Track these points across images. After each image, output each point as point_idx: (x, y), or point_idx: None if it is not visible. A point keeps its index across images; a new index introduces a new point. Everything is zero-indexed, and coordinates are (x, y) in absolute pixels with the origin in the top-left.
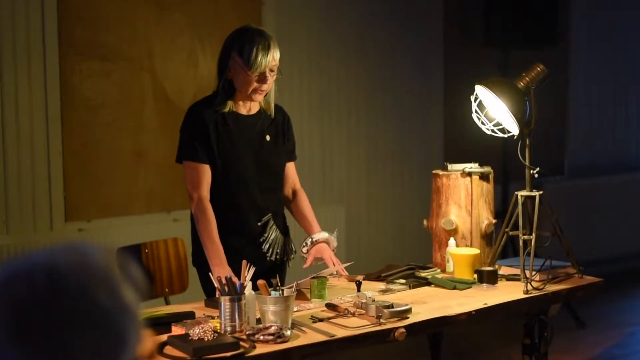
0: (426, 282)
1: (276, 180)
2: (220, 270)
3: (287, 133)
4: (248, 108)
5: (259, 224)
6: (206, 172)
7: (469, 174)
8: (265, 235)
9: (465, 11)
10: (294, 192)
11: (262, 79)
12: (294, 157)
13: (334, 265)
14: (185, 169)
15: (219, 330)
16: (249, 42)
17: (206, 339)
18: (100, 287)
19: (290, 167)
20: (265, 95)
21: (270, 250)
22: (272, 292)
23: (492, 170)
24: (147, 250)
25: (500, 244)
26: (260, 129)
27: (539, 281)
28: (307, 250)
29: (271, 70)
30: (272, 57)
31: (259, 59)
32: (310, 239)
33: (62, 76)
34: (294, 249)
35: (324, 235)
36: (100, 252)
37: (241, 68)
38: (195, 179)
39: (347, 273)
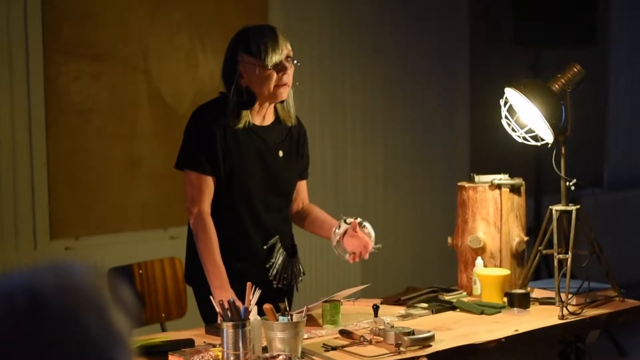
0: (451, 307)
1: (284, 200)
2: (223, 293)
3: (301, 148)
4: (262, 117)
5: (265, 247)
6: (209, 185)
7: (498, 187)
8: (272, 260)
9: (493, 7)
10: (303, 207)
11: (282, 68)
12: (305, 175)
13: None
14: (185, 178)
15: None
16: (254, 37)
17: None
18: (87, 312)
19: (301, 186)
20: (283, 102)
21: (278, 276)
22: (280, 318)
23: (523, 182)
24: (141, 271)
25: (533, 264)
26: (273, 142)
27: (576, 305)
28: (344, 230)
29: (288, 57)
30: (284, 43)
31: (270, 46)
32: (343, 220)
33: (47, 78)
34: (302, 271)
35: (359, 220)
36: (88, 273)
37: (254, 66)
38: (196, 192)
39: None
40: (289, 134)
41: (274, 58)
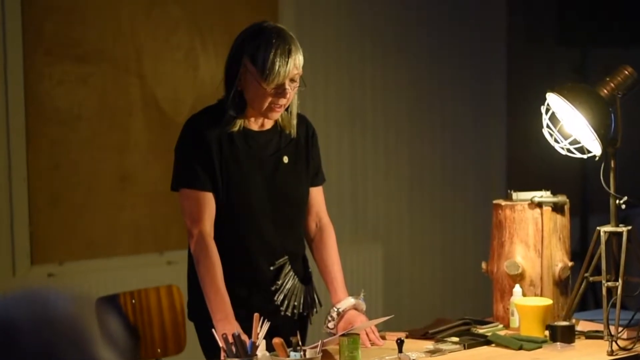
0: (485, 341)
1: (295, 213)
2: (226, 326)
3: (310, 151)
4: (261, 123)
5: (272, 268)
6: (209, 203)
7: (539, 205)
8: (279, 283)
9: (534, 2)
10: (320, 229)
11: (281, 92)
12: (319, 180)
13: (368, 336)
14: (182, 198)
15: None
16: (264, 46)
17: None
18: (67, 346)
19: (316, 194)
20: (288, 109)
21: (286, 302)
22: (292, 353)
23: (567, 200)
24: (134, 301)
25: (579, 293)
26: (276, 148)
27: (627, 339)
28: (335, 325)
29: (292, 81)
30: (294, 65)
31: (277, 67)
32: (335, 311)
33: (28, 82)
34: (317, 301)
35: (349, 302)
36: (70, 303)
37: (254, 78)
38: (195, 210)
39: (382, 343)
40: (294, 137)
41: (277, 80)
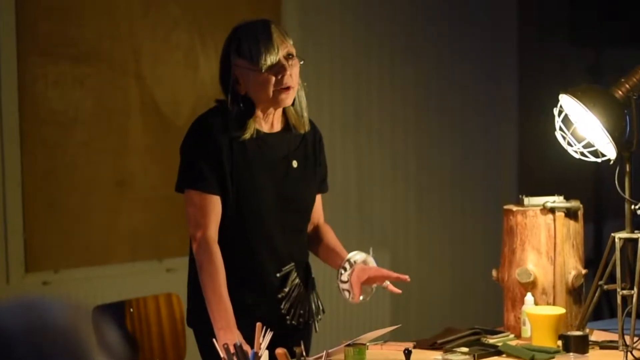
0: (496, 351)
1: (302, 219)
2: (228, 335)
3: (318, 157)
4: (270, 123)
5: (278, 275)
6: (215, 206)
7: (552, 211)
8: (286, 290)
9: (545, 1)
10: (316, 227)
11: (280, 69)
12: (325, 188)
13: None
14: (187, 200)
15: None
16: (245, 36)
17: None
18: (63, 356)
19: (318, 201)
20: (294, 105)
21: (292, 311)
22: None
23: (581, 206)
24: (132, 310)
25: (593, 302)
26: (286, 152)
27: None
28: (348, 278)
29: (288, 57)
30: (281, 40)
31: (262, 44)
32: (347, 262)
33: (22, 83)
34: (322, 308)
35: (360, 255)
36: (65, 311)
37: (249, 69)
38: (200, 214)
39: (407, 278)
40: (303, 141)
41: (269, 59)
